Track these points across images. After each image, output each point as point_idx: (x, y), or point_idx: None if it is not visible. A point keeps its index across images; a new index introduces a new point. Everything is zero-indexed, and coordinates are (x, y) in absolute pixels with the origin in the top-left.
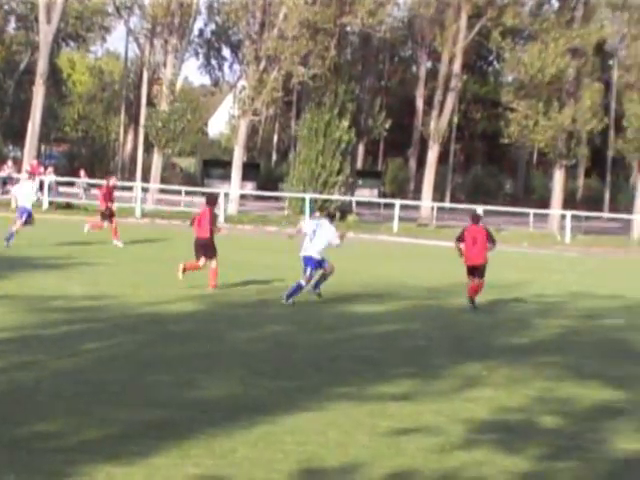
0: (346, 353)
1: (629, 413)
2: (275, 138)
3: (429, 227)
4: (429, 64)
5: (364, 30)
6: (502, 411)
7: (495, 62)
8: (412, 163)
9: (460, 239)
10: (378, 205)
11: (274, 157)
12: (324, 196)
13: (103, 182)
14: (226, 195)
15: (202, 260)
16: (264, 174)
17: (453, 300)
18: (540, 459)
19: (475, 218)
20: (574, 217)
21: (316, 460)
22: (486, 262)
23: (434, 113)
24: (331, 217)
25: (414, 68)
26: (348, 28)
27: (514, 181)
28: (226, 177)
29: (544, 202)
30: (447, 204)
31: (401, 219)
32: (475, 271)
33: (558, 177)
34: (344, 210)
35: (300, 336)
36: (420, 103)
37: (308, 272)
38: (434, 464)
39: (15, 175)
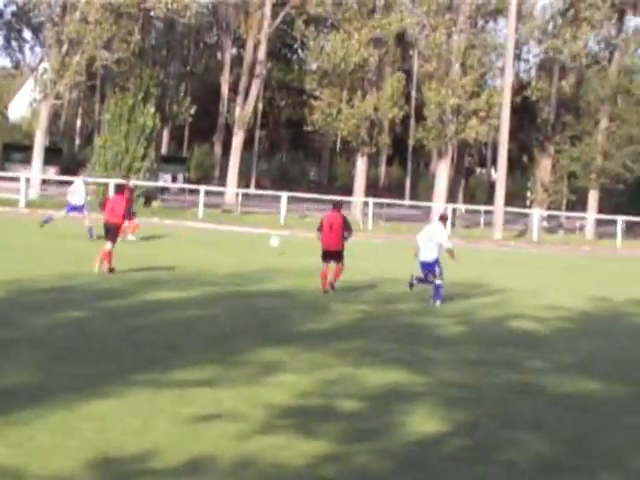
0: (148, 339)
1: (424, 396)
2: (78, 122)
3: (234, 213)
4: (234, 51)
5: (168, 15)
6: (302, 396)
7: (299, 50)
8: (217, 149)
9: (320, 228)
10: (183, 191)
11: (77, 141)
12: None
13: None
14: (27, 180)
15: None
16: (67, 159)
17: (256, 286)
18: (338, 442)
19: (336, 205)
20: (376, 204)
21: (115, 448)
22: (342, 248)
23: (239, 100)
24: (444, 220)
25: (219, 54)
26: (152, 13)
27: (318, 168)
28: (27, 161)
29: (347, 189)
30: (252, 190)
31: (206, 205)
32: (331, 256)
33: (361, 165)
34: (149, 196)
35: (102, 322)
36: (225, 89)
37: (437, 271)
38: (234, 449)
39: None
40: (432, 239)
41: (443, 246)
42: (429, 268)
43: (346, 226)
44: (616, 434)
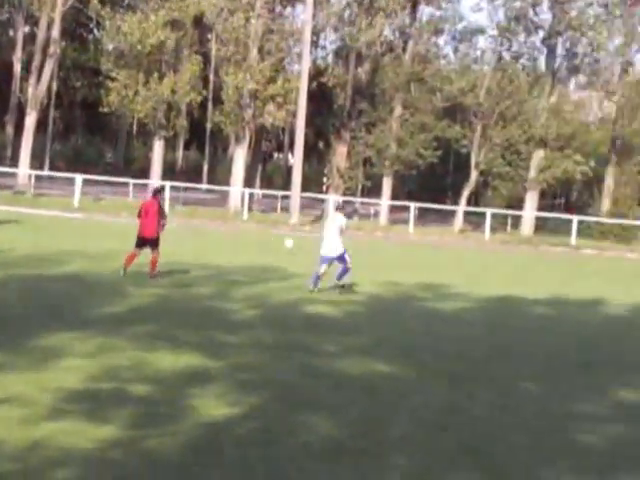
0: None
1: (216, 380)
2: None
3: (26, 195)
4: (27, 28)
5: None
6: (93, 380)
7: (95, 30)
8: (9, 129)
9: (139, 214)
10: None
11: None
12: None
13: None
14: None
15: None
16: None
17: (51, 269)
18: (129, 427)
19: (154, 192)
20: (173, 188)
21: None
22: (157, 235)
23: (32, 79)
24: (340, 209)
25: (11, 32)
26: None
27: (115, 151)
28: None
29: (144, 172)
30: (45, 172)
31: None
32: (146, 243)
33: (158, 148)
34: None
35: None
36: (18, 68)
37: (324, 268)
38: (20, 434)
39: None
40: (335, 227)
41: (342, 229)
42: (339, 259)
43: (161, 214)
44: (404, 415)
